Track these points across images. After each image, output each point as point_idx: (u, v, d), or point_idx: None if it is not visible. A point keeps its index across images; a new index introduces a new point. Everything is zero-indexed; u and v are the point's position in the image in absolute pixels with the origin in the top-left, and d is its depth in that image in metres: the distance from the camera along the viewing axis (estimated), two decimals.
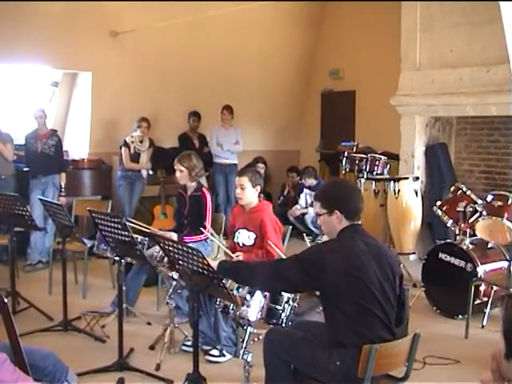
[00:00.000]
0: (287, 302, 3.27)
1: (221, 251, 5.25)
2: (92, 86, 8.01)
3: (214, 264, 3.16)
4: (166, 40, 8.09)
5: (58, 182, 6.76)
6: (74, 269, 6.14)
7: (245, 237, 4.51)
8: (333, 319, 2.88)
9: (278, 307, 3.27)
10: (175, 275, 4.16)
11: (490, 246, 5.29)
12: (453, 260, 5.22)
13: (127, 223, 3.92)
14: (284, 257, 3.98)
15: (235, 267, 3.22)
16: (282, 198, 9.22)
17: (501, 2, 3.92)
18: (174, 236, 4.84)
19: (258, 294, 3.25)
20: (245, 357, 3.22)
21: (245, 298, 3.26)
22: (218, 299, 3.50)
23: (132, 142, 7.45)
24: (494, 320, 4.90)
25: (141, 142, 7.51)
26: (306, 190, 8.60)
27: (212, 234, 4.81)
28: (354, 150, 7.24)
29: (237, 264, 3.39)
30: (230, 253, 4.39)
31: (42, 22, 7.19)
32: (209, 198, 5.06)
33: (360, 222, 3.02)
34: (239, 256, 4.35)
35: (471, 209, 5.28)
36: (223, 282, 3.12)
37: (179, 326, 4.50)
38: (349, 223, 2.97)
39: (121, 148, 7.48)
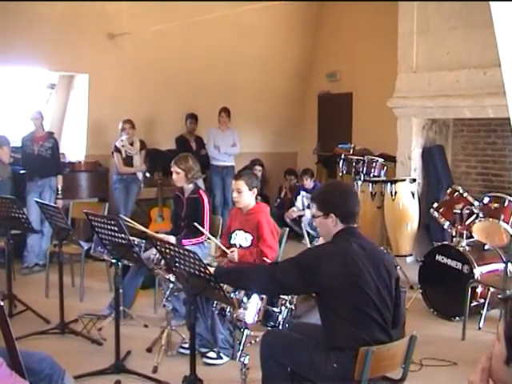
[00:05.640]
0: (284, 304, 3.27)
1: (218, 252, 5.26)
2: (89, 89, 8.01)
3: (211, 270, 3.16)
4: (164, 42, 8.10)
5: (54, 185, 6.75)
6: (71, 271, 6.13)
7: (242, 238, 4.52)
8: (330, 322, 2.88)
9: (275, 309, 3.27)
10: (172, 278, 4.16)
11: (486, 247, 5.30)
12: (450, 262, 5.23)
13: (123, 221, 3.92)
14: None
15: (231, 272, 3.22)
16: (278, 200, 9.22)
17: (491, 3, 3.90)
18: (172, 240, 4.84)
19: (255, 296, 3.24)
20: (242, 359, 3.21)
21: (242, 301, 3.25)
22: (215, 302, 3.50)
23: (122, 146, 7.43)
24: (490, 322, 4.91)
25: (131, 144, 7.49)
26: (302, 193, 8.60)
27: (208, 238, 4.81)
28: (351, 152, 7.25)
29: (233, 269, 3.38)
30: (225, 249, 4.41)
31: (38, 24, 7.18)
32: (206, 200, 5.06)
33: (356, 225, 3.03)
34: (234, 252, 4.36)
35: (468, 211, 5.29)
36: (220, 284, 3.12)
37: (176, 328, 4.50)
38: (344, 226, 2.97)
39: (113, 153, 7.48)
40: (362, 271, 2.81)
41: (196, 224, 4.53)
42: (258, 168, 8.81)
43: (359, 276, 2.79)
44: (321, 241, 3.45)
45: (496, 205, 5.09)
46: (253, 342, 3.94)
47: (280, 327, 3.25)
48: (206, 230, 4.83)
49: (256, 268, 3.56)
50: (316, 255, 2.92)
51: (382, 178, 6.56)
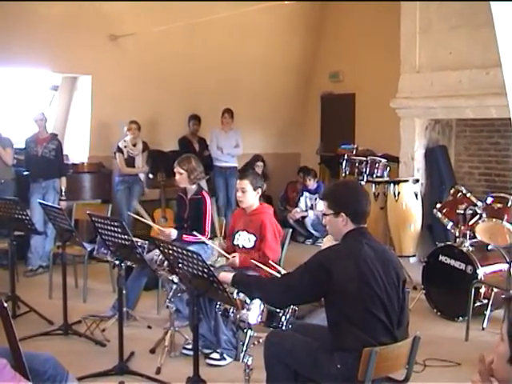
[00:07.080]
0: None
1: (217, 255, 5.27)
2: (92, 90, 8.02)
3: (229, 276, 3.17)
4: (166, 43, 8.10)
5: (58, 186, 6.76)
6: (75, 273, 6.14)
7: (245, 239, 4.52)
8: (337, 324, 2.87)
9: (278, 310, 3.27)
10: (175, 279, 4.16)
11: (490, 248, 5.29)
12: (453, 262, 5.22)
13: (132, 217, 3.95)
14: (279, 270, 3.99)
15: (249, 281, 3.20)
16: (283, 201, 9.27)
17: (492, 3, 3.90)
18: (174, 233, 4.87)
19: None
20: (245, 360, 3.21)
21: (245, 302, 3.25)
22: (218, 302, 3.50)
23: (125, 147, 7.43)
24: (494, 322, 4.90)
25: (134, 145, 7.49)
26: (305, 193, 8.60)
27: (212, 238, 4.82)
28: (354, 152, 7.24)
29: (250, 278, 3.36)
30: (225, 254, 4.42)
31: (41, 25, 7.20)
32: (208, 201, 5.07)
33: (366, 225, 3.01)
34: (235, 257, 4.36)
35: (471, 211, 5.28)
36: (223, 285, 3.12)
37: (179, 329, 4.51)
38: (354, 226, 2.95)
39: (115, 154, 7.49)
40: (373, 273, 2.80)
41: (196, 233, 4.58)
42: (260, 164, 8.82)
43: (370, 278, 2.78)
44: (325, 241, 3.45)
45: (499, 205, 5.08)
46: (256, 342, 3.94)
47: (283, 328, 3.25)
48: (207, 235, 4.87)
49: (271, 278, 3.58)
50: (328, 257, 2.91)
51: (385, 178, 6.55)
